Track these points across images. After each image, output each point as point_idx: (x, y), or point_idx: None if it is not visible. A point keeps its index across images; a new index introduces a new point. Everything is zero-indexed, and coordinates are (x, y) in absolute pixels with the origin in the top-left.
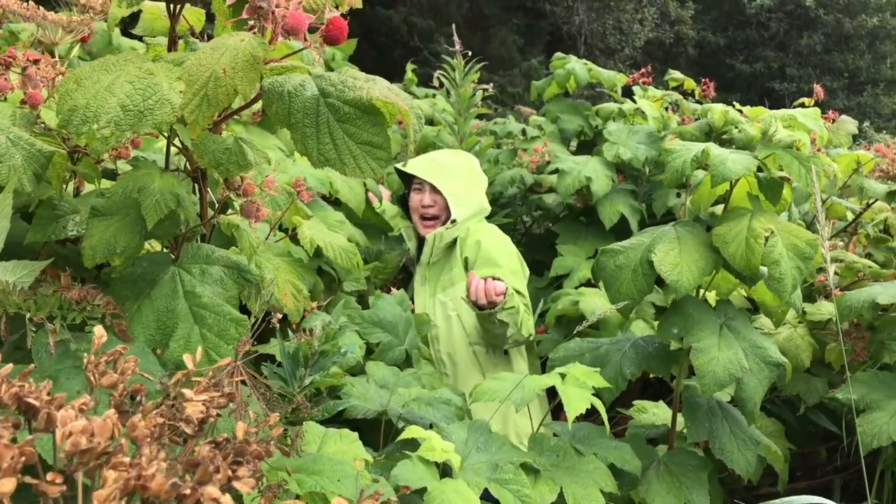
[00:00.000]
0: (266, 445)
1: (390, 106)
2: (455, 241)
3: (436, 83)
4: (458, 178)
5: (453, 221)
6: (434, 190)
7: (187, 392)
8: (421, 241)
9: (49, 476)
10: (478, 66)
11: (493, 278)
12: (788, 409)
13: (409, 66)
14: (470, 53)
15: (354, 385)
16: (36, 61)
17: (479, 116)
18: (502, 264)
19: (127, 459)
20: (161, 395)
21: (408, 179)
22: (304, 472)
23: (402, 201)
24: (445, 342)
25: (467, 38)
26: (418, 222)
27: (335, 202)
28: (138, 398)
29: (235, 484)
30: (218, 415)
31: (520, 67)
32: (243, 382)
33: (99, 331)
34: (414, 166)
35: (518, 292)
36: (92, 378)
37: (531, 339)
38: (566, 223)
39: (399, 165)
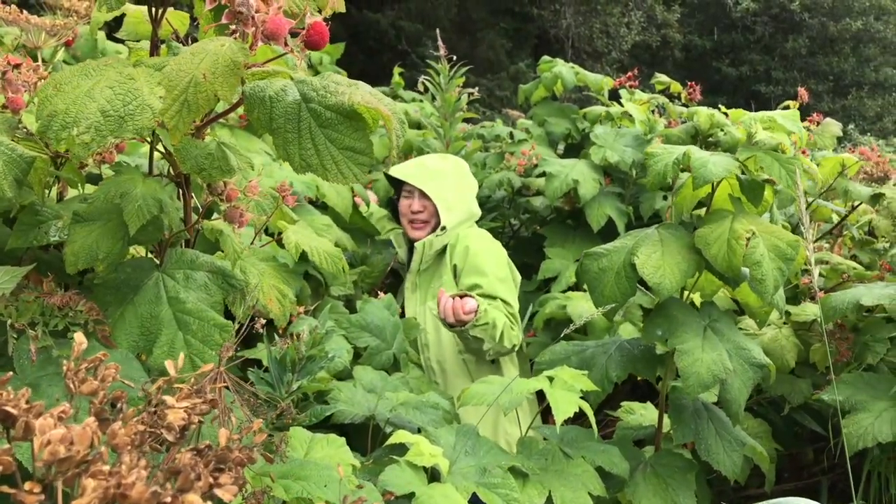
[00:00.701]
0: (249, 452)
1: (372, 111)
2: (445, 247)
3: (420, 88)
4: (447, 183)
5: (443, 228)
6: (423, 195)
7: (168, 399)
8: (412, 246)
9: (27, 485)
10: (463, 70)
11: (461, 296)
12: (774, 410)
13: (397, 70)
14: (455, 58)
15: (342, 390)
16: (17, 66)
17: (466, 120)
18: (489, 272)
19: (106, 468)
20: (143, 402)
21: (397, 184)
22: (290, 477)
23: (391, 206)
24: (435, 350)
25: (455, 42)
26: (408, 227)
27: (322, 206)
28: (119, 405)
29: (217, 491)
30: (200, 422)
31: (507, 71)
32: (227, 388)
33: (79, 337)
34: (403, 171)
35: (505, 301)
36: (72, 385)
37: (515, 349)
38: (554, 226)
39: (388, 170)
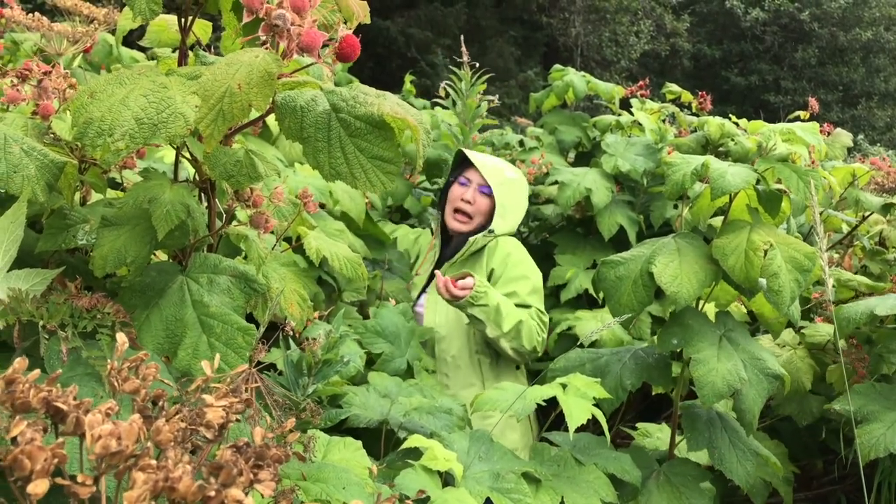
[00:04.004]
0: (285, 450)
1: (399, 121)
2: (483, 249)
3: (441, 93)
4: (512, 194)
5: (490, 231)
6: (484, 193)
7: (208, 398)
8: (447, 236)
9: (80, 478)
10: (485, 77)
11: (462, 277)
12: (786, 423)
13: (408, 78)
14: (477, 65)
15: (356, 394)
16: (48, 73)
17: (484, 128)
18: (527, 282)
19: (154, 462)
20: (174, 402)
21: (456, 169)
22: (309, 479)
23: (441, 192)
24: (448, 343)
25: None
26: (450, 216)
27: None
28: (160, 403)
29: (257, 486)
30: (237, 420)
31: (516, 79)
32: (256, 389)
33: (121, 338)
34: (484, 166)
35: (540, 310)
36: (115, 384)
37: (538, 353)
38: (564, 234)
39: (468, 152)
